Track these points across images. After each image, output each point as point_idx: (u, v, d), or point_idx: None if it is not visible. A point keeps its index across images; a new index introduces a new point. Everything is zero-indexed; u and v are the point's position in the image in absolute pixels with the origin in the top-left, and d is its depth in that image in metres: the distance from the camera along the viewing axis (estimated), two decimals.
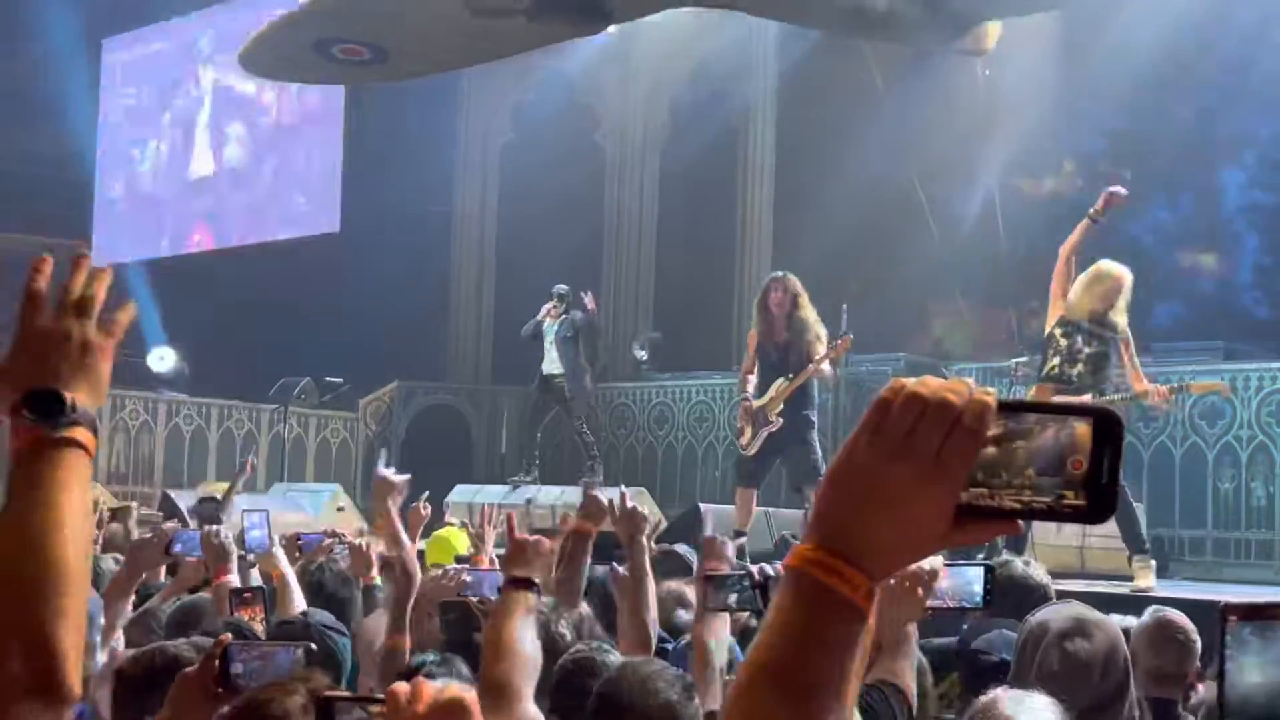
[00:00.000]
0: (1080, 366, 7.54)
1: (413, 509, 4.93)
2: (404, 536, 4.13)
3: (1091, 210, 7.72)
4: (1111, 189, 7.76)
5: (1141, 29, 11.15)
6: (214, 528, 4.69)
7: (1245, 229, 12.53)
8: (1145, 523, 8.50)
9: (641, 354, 13.85)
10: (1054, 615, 3.19)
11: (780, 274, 8.94)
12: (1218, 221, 12.65)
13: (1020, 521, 1.05)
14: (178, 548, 4.49)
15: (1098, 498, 1.01)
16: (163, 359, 14.28)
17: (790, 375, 8.61)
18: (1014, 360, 10.50)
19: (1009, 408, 1.04)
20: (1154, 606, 4.11)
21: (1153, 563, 7.56)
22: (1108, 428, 1.02)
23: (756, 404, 8.74)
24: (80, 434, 1.45)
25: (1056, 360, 7.62)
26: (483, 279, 15.58)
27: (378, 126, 14.70)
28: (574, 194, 14.63)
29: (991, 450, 1.03)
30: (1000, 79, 11.74)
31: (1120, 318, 7.59)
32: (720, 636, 3.37)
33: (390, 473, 4.29)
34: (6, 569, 1.40)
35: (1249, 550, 9.69)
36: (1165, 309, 12.37)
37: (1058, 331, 7.65)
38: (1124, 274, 7.63)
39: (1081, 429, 1.02)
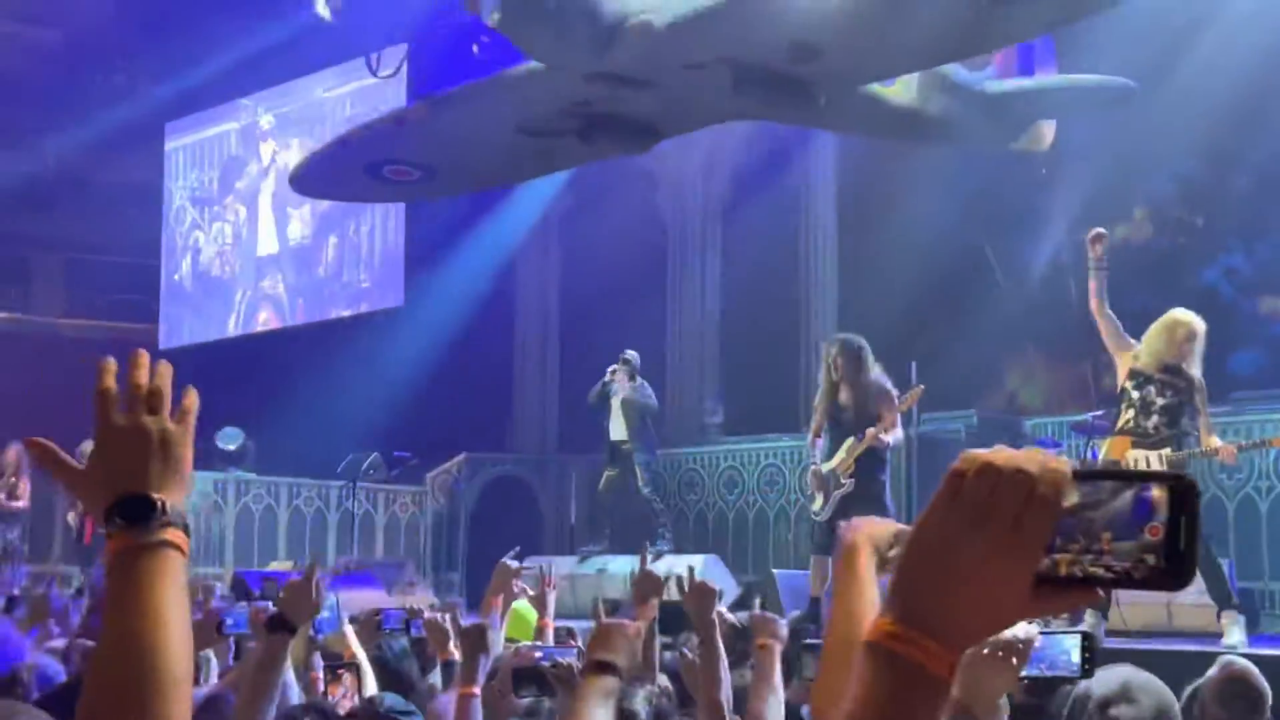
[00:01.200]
0: (1155, 418, 7.35)
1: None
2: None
3: (1090, 261, 7.64)
4: (1090, 234, 7.71)
5: (1210, 71, 10.99)
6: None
7: None
8: (1234, 576, 8.23)
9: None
10: (1099, 680, 3.02)
11: (843, 335, 8.83)
12: None
13: (1100, 589, 1.04)
14: (229, 626, 4.39)
15: (1176, 564, 1.01)
16: (231, 439, 14.32)
17: (860, 435, 8.45)
18: (1089, 414, 10.28)
19: (1084, 476, 1.04)
20: (1225, 657, 3.94)
21: (1241, 618, 7.28)
22: (1184, 494, 1.02)
23: (826, 467, 8.59)
24: (173, 535, 1.45)
25: (1131, 413, 7.44)
26: (546, 346, 15.56)
27: (441, 202, 14.76)
28: (635, 260, 14.59)
29: (1068, 518, 1.03)
30: (1066, 126, 11.58)
31: (1194, 368, 7.40)
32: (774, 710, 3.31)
33: (514, 563, 4.70)
34: (111, 678, 1.39)
35: None
36: (1245, 357, 12.06)
37: (1129, 384, 7.48)
38: (1196, 323, 7.45)
39: (1158, 495, 1.02)
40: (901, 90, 9.38)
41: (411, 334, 14.74)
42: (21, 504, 11.75)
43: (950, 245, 13.26)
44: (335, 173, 10.70)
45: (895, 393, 8.59)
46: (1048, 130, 10.80)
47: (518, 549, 5.69)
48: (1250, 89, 11.26)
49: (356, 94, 15.59)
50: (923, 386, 8.76)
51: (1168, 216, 13.03)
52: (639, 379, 11.31)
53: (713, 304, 14.83)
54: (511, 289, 15.82)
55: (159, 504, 1.44)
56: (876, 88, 9.22)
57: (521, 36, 8.32)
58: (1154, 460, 7.33)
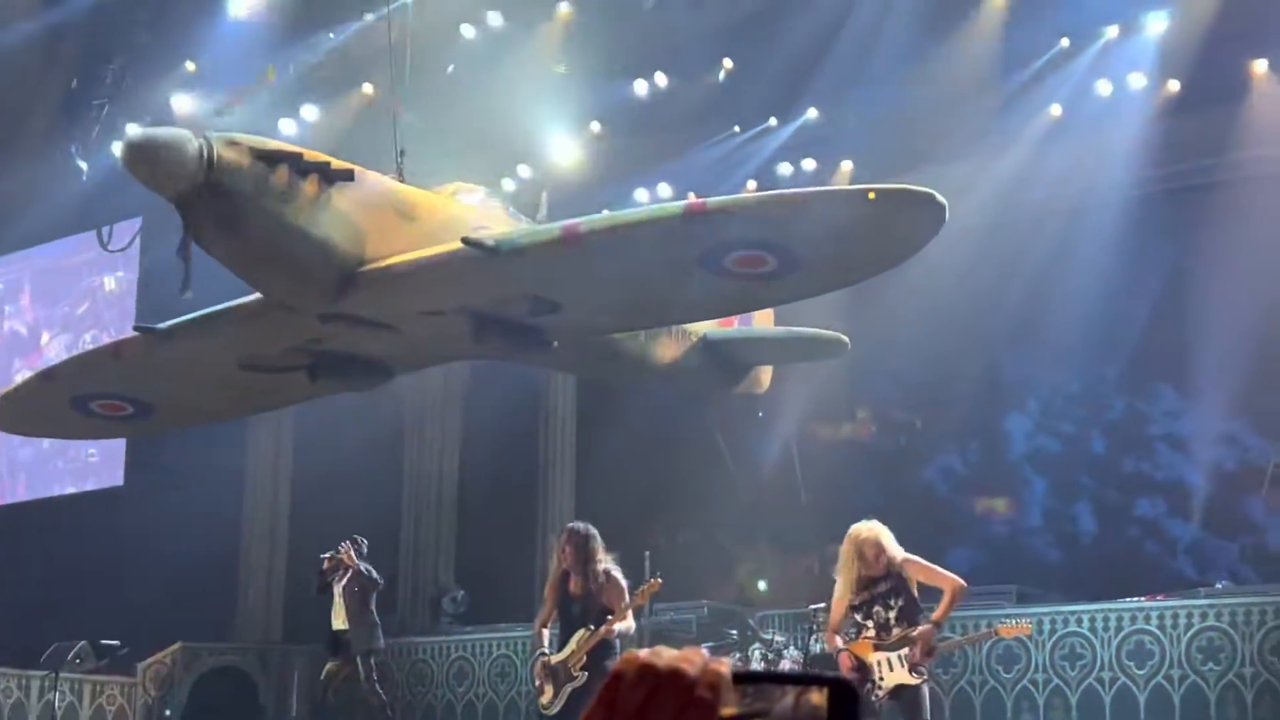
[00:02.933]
0: (896, 630, 7.51)
1: None
2: None
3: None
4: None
5: (930, 281, 11.61)
6: None
7: (1032, 474, 12.89)
8: None
9: (454, 601, 13.52)
10: None
11: (576, 524, 8.77)
12: (1006, 467, 13.00)
13: None
14: None
15: None
16: None
17: (591, 627, 8.35)
18: (813, 606, 10.47)
19: (745, 678, 1.02)
20: None
21: None
22: (843, 698, 1.01)
23: (555, 659, 8.44)
24: None
25: (872, 627, 7.56)
26: (275, 530, 15.06)
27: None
28: (372, 444, 14.35)
29: None
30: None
31: (896, 557, 7.58)
32: None
33: None
34: None
35: None
36: (961, 554, 12.51)
37: (858, 617, 7.62)
38: (868, 528, 7.65)
39: (818, 699, 1.01)
40: (630, 337, 9.59)
41: (129, 514, 14.10)
42: None
43: (685, 436, 13.52)
44: (39, 408, 9.74)
45: (626, 583, 8.56)
46: (766, 375, 11.22)
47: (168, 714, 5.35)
48: (964, 298, 11.95)
49: (93, 263, 15.21)
50: (659, 580, 8.73)
51: (890, 417, 13.60)
52: (364, 564, 11.03)
53: (449, 490, 14.68)
54: (241, 468, 15.33)
55: None
56: (607, 336, 9.44)
57: (256, 278, 8.06)
58: (895, 662, 7.46)
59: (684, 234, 7.60)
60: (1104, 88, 11.89)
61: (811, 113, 12.90)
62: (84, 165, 13.95)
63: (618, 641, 8.54)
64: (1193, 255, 11.89)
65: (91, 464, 15.31)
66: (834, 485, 12.70)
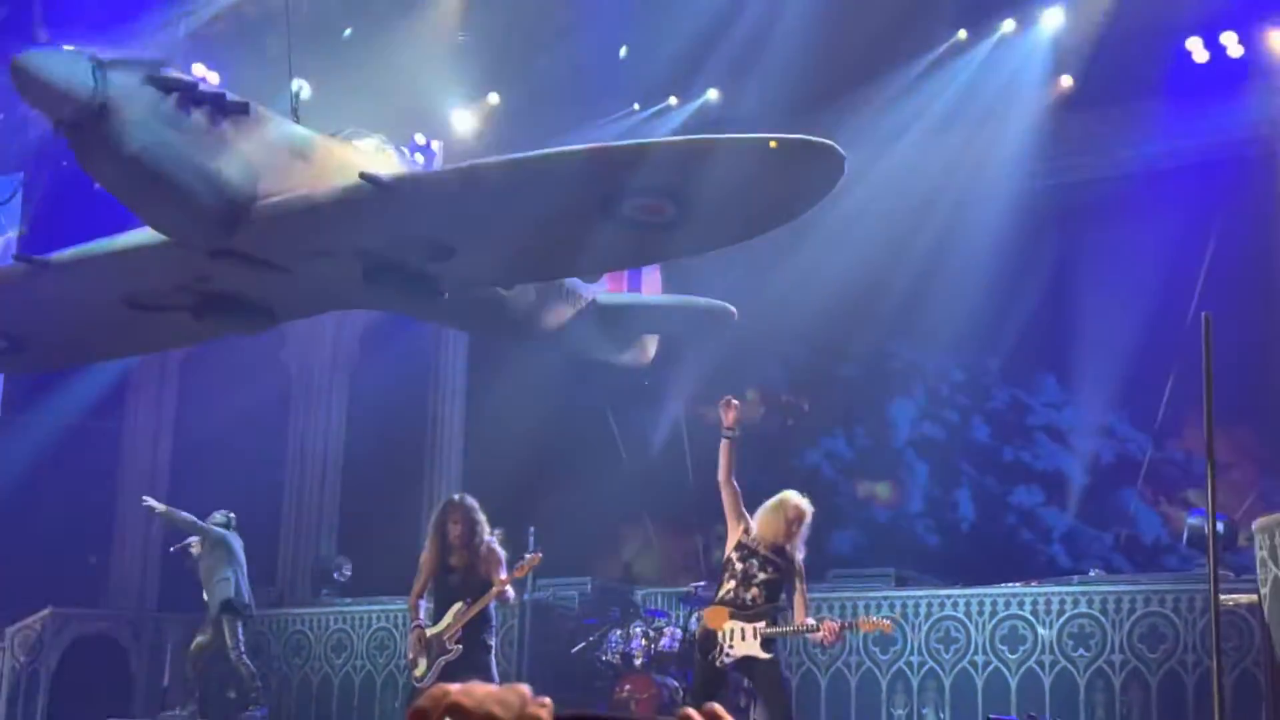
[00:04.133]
0: (754, 591, 7.56)
1: None
2: None
3: (724, 429, 7.86)
4: (722, 401, 7.97)
5: (819, 264, 11.69)
6: None
7: (915, 459, 13.05)
8: None
9: (341, 573, 13.35)
10: None
11: (458, 496, 8.69)
12: (890, 452, 13.15)
13: None
14: None
15: None
16: None
17: (469, 600, 8.29)
18: (693, 584, 10.55)
19: None
20: None
21: None
22: None
23: (431, 631, 8.37)
24: None
25: (732, 584, 7.62)
26: (153, 494, 14.73)
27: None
28: (256, 411, 14.13)
29: None
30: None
31: (797, 550, 7.67)
32: None
33: None
34: None
35: None
36: (843, 536, 12.68)
37: (734, 555, 7.68)
38: (805, 506, 7.72)
39: None
40: (520, 294, 9.51)
41: (1, 474, 13.72)
42: None
43: (575, 413, 13.49)
44: None
45: (504, 556, 8.52)
46: (651, 345, 11.23)
47: None
48: (853, 283, 12.04)
49: None
50: (540, 555, 8.70)
51: (777, 399, 13.68)
52: (226, 535, 10.89)
53: (334, 461, 14.50)
54: (118, 429, 15.01)
55: None
56: (498, 290, 9.34)
57: (145, 208, 7.86)
58: (749, 632, 7.50)
59: (586, 175, 7.54)
60: (998, 81, 12.03)
61: (711, 93, 12.91)
62: None
63: (495, 615, 8.50)
64: (1078, 249, 12.10)
65: None
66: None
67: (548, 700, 0.89)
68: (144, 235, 8.27)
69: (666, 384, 13.08)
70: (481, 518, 8.44)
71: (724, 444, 7.81)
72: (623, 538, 13.72)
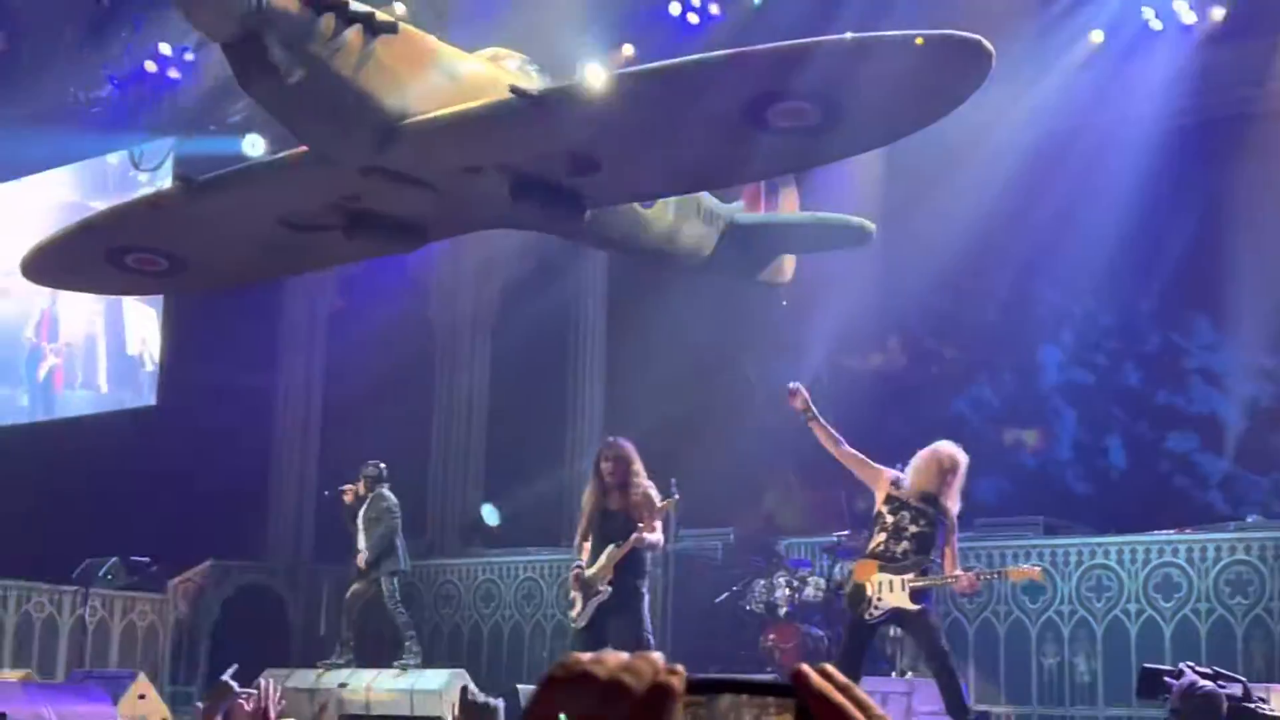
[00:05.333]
0: (905, 544, 7.51)
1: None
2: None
3: (801, 415, 7.81)
4: (790, 389, 7.91)
5: (960, 206, 11.48)
6: None
7: (1064, 405, 12.79)
8: (970, 699, 8.37)
9: (492, 519, 13.59)
10: None
11: (612, 439, 8.78)
12: (1038, 398, 12.90)
13: None
14: None
15: None
16: None
17: (620, 542, 8.39)
18: (836, 534, 10.50)
19: (701, 688, 0.90)
20: None
21: None
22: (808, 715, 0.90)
23: (588, 572, 8.48)
24: None
25: (883, 537, 7.59)
26: (305, 450, 15.15)
27: (200, 294, 14.33)
28: (403, 367, 14.39)
29: None
30: (823, 255, 11.94)
31: (951, 501, 7.60)
32: None
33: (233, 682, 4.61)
34: None
35: None
36: (989, 484, 12.47)
37: (885, 509, 7.64)
38: (960, 457, 7.66)
39: (784, 715, 0.90)
40: (660, 213, 9.54)
41: (161, 433, 14.20)
42: None
43: (714, 363, 13.48)
44: (73, 260, 9.76)
45: (659, 498, 8.59)
46: (789, 264, 11.15)
47: (235, 667, 5.45)
48: (999, 225, 11.81)
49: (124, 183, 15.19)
50: (678, 497, 8.74)
51: (920, 346, 13.50)
52: (383, 490, 11.12)
53: (479, 415, 14.71)
54: (272, 389, 15.42)
55: None
56: (637, 208, 9.34)
57: (299, 125, 8.06)
58: (898, 585, 7.46)
59: (729, 80, 7.49)
60: (1147, 14, 11.65)
61: (847, 35, 12.69)
62: (86, 98, 13.90)
63: (647, 555, 8.57)
64: (1229, 187, 11.70)
65: (125, 384, 15.40)
66: (863, 415, 12.63)
67: (680, 668, 0.90)
68: (298, 154, 8.48)
69: (807, 333, 12.99)
70: (636, 461, 8.52)
71: (809, 424, 7.80)
72: (764, 488, 13.69)
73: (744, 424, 12.99)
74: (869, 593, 7.49)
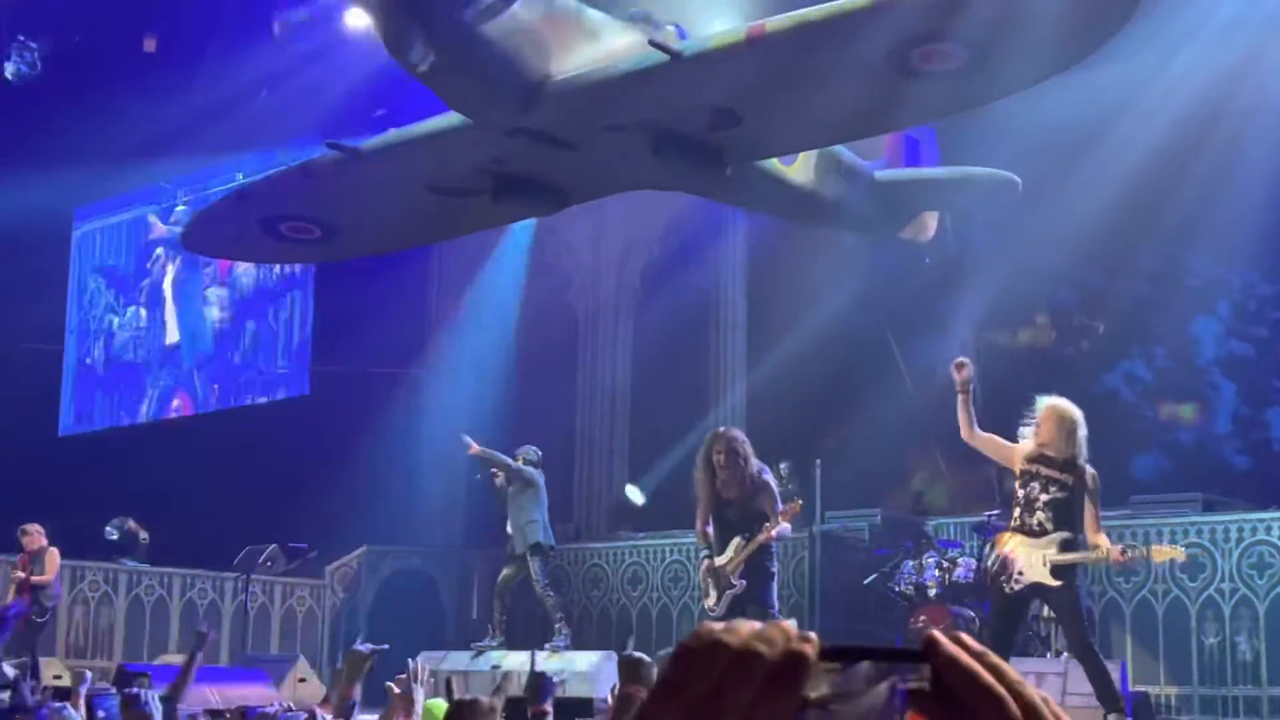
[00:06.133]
0: (1040, 514, 7.25)
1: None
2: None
3: (958, 387, 7.48)
4: (954, 362, 7.56)
5: (1106, 177, 11.20)
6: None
7: (1222, 379, 12.41)
8: (1129, 680, 8.20)
9: (637, 498, 13.66)
10: None
11: (721, 428, 8.75)
12: (1194, 372, 12.54)
13: None
14: (100, 715, 4.29)
15: None
16: (114, 528, 13.98)
17: (746, 535, 8.35)
18: (986, 513, 10.33)
19: (834, 654, 0.87)
20: None
21: None
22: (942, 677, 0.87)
23: (718, 562, 8.47)
24: None
25: (1017, 511, 7.37)
26: (455, 439, 15.37)
27: (348, 286, 14.65)
28: (548, 350, 14.53)
29: (816, 711, 0.87)
30: (969, 231, 11.75)
31: (1083, 460, 7.32)
32: None
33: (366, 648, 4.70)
34: None
35: (1236, 708, 9.37)
36: (1145, 461, 12.19)
37: (1018, 484, 7.43)
38: (1068, 405, 7.38)
39: (920, 682, 0.87)
40: (800, 169, 9.47)
41: (314, 422, 14.55)
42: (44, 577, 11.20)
43: (858, 343, 13.35)
44: (230, 229, 10.02)
45: (776, 486, 8.53)
46: (931, 221, 10.97)
47: (385, 647, 5.57)
48: (1147, 197, 11.49)
49: None
50: (800, 502, 8.64)
51: (1069, 322, 13.21)
52: (533, 474, 11.24)
53: (622, 399, 14.80)
54: (420, 377, 15.68)
55: None
56: (778, 165, 9.28)
57: (448, 88, 8.15)
58: (1038, 559, 7.25)
59: (872, 26, 7.40)
60: None
61: None
62: (238, 97, 14.19)
63: (776, 546, 8.52)
64: None
65: (282, 375, 15.81)
66: (1012, 393, 12.39)
67: (813, 635, 0.88)
68: (444, 119, 8.58)
69: (953, 310, 12.80)
70: (748, 448, 8.47)
71: (960, 399, 7.48)
72: (912, 467, 13.53)
73: (890, 403, 12.85)
74: (1009, 566, 7.30)
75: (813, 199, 9.72)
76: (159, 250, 17.08)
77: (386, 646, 5.62)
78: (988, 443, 7.54)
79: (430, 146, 8.75)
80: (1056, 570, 7.14)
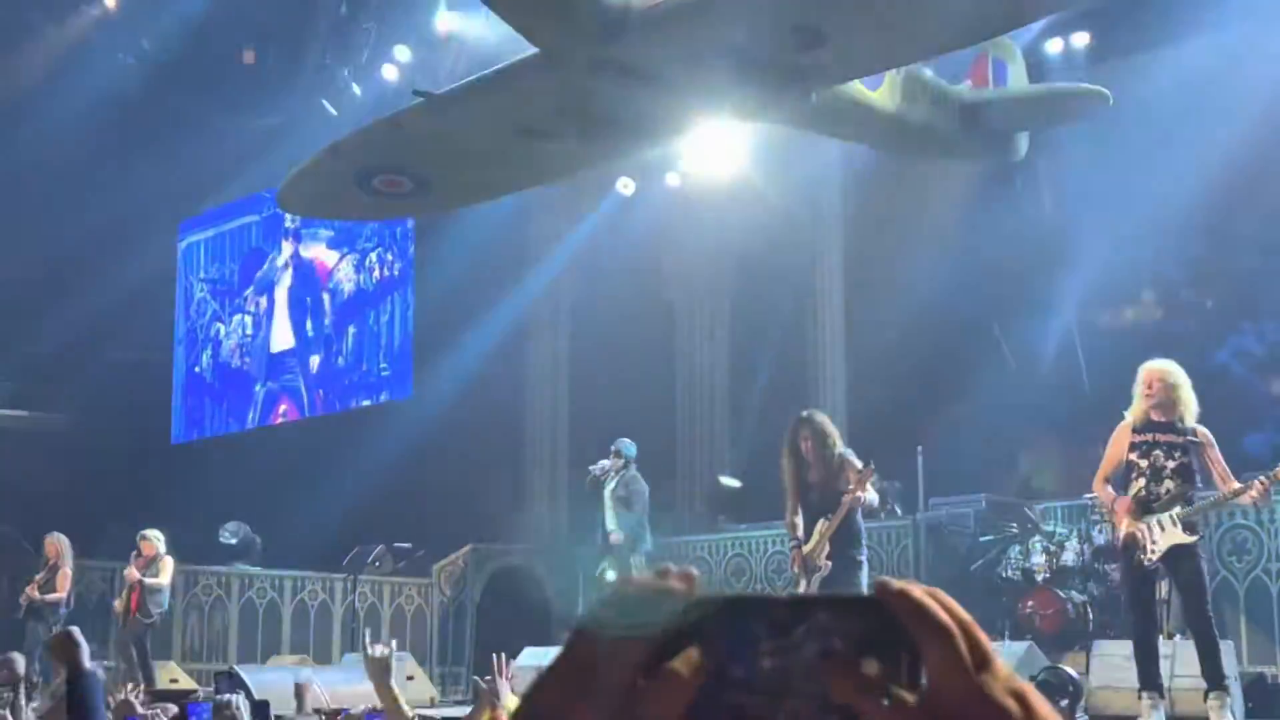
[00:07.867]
0: (1168, 483, 7.07)
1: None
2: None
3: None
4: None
5: (1205, 151, 10.91)
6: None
7: None
8: (1244, 661, 7.98)
9: (732, 482, 13.62)
10: None
11: (805, 413, 8.60)
12: None
13: None
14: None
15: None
16: (231, 533, 14.26)
17: (829, 515, 8.25)
18: (1089, 496, 10.10)
19: (795, 605, 0.75)
20: None
21: (1229, 699, 6.98)
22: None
23: (806, 549, 8.37)
24: None
25: (1141, 482, 7.13)
26: (555, 434, 15.47)
27: (447, 286, 14.77)
28: (645, 346, 14.54)
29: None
30: (1071, 208, 11.54)
31: (1192, 418, 7.13)
32: None
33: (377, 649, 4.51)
34: None
35: None
36: (1258, 437, 11.85)
37: (1134, 455, 7.22)
38: (1165, 364, 7.20)
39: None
40: (886, 95, 9.35)
41: (417, 423, 14.69)
42: (58, 595, 11.42)
43: (959, 326, 13.17)
44: (324, 186, 10.17)
45: (859, 465, 8.39)
46: (1022, 140, 10.78)
47: (368, 630, 5.54)
48: (1254, 171, 11.18)
49: None
50: (872, 466, 8.39)
51: (1176, 297, 12.91)
52: (632, 469, 11.22)
53: (720, 391, 14.75)
54: (520, 376, 15.78)
55: None
56: (863, 90, 9.17)
57: (524, 19, 8.15)
58: (1168, 520, 7.05)
59: None
60: None
61: None
62: (334, 110, 14.35)
63: (861, 525, 8.38)
64: None
65: (384, 377, 16.00)
66: (1119, 372, 12.13)
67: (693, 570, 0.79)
68: (525, 58, 8.56)
69: (1055, 289, 12.58)
70: (832, 431, 8.36)
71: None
72: (1017, 452, 13.33)
73: (993, 386, 12.66)
74: (1140, 538, 7.09)
75: (900, 124, 9.58)
76: (271, 260, 17.37)
77: (395, 642, 5.64)
78: (1109, 465, 7.35)
79: (516, 87, 8.73)
80: (1188, 525, 6.96)
